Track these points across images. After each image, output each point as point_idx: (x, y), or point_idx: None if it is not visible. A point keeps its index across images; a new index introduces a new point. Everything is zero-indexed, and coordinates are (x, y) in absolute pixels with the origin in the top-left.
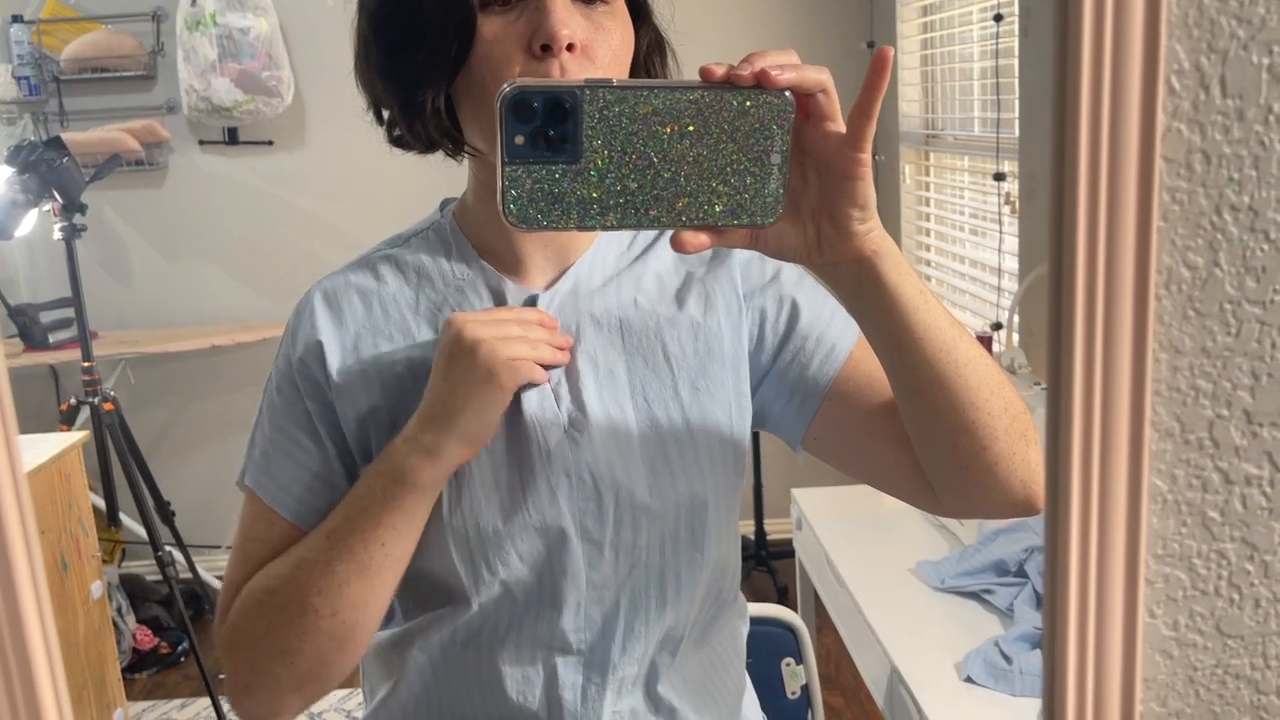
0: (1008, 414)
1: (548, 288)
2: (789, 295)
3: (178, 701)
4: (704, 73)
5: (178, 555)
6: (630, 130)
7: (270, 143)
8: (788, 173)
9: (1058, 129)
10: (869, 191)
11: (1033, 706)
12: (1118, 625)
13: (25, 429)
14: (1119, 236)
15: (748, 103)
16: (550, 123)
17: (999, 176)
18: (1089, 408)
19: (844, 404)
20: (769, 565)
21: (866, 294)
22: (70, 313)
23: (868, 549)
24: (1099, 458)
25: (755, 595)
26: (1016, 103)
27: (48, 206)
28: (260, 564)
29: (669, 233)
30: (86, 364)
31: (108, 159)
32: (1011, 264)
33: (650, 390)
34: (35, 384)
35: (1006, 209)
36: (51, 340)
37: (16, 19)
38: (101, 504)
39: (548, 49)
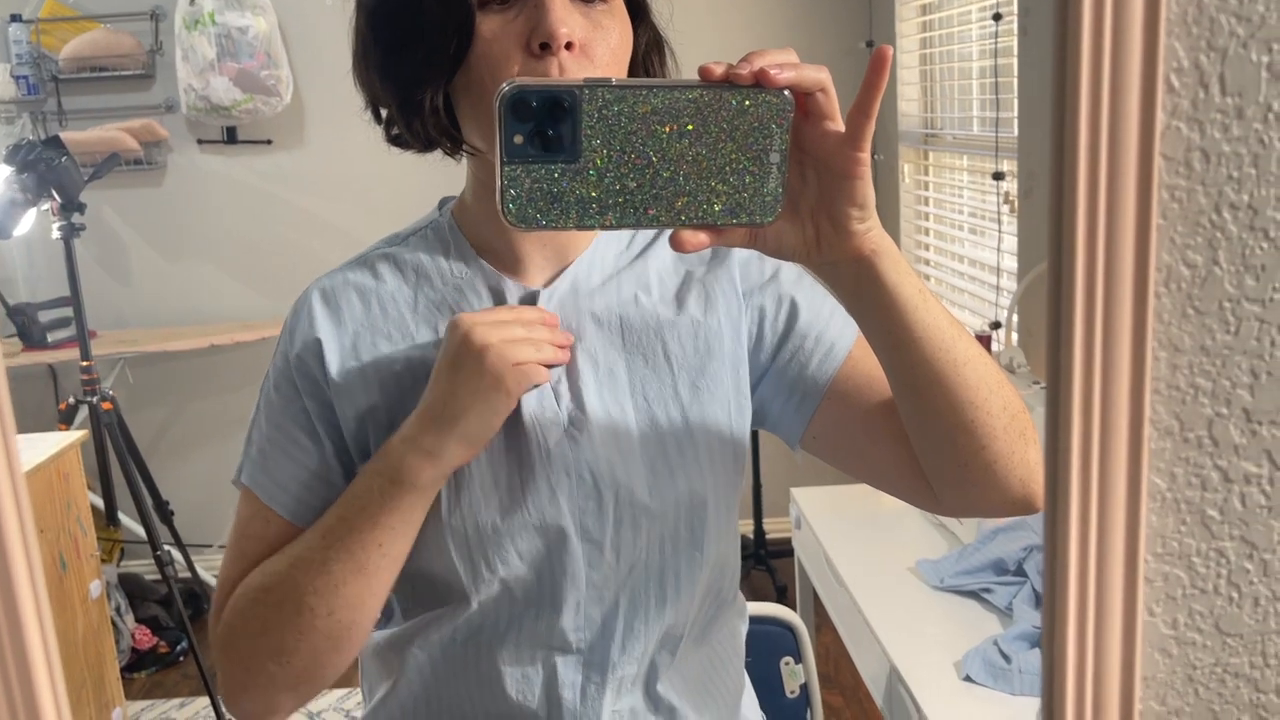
0: (1006, 413)
1: (546, 286)
2: (788, 294)
3: (176, 701)
4: (703, 72)
5: (176, 555)
6: (629, 129)
7: (269, 142)
8: (787, 172)
9: (1057, 127)
10: (868, 191)
11: (1032, 705)
12: (1117, 623)
13: (24, 428)
14: (1118, 234)
15: (747, 102)
16: (549, 122)
17: (998, 175)
18: (1088, 406)
19: (843, 403)
20: (768, 564)
21: (865, 293)
22: (69, 312)
23: (867, 548)
24: (1098, 456)
25: (754, 594)
26: (1015, 102)
27: (46, 206)
28: (256, 562)
29: (668, 232)
30: (85, 363)
31: (106, 158)
32: (1010, 263)
33: (650, 389)
34: (34, 383)
35: (1005, 208)
36: (50, 339)
37: (15, 18)
38: (100, 503)
39: (546, 47)
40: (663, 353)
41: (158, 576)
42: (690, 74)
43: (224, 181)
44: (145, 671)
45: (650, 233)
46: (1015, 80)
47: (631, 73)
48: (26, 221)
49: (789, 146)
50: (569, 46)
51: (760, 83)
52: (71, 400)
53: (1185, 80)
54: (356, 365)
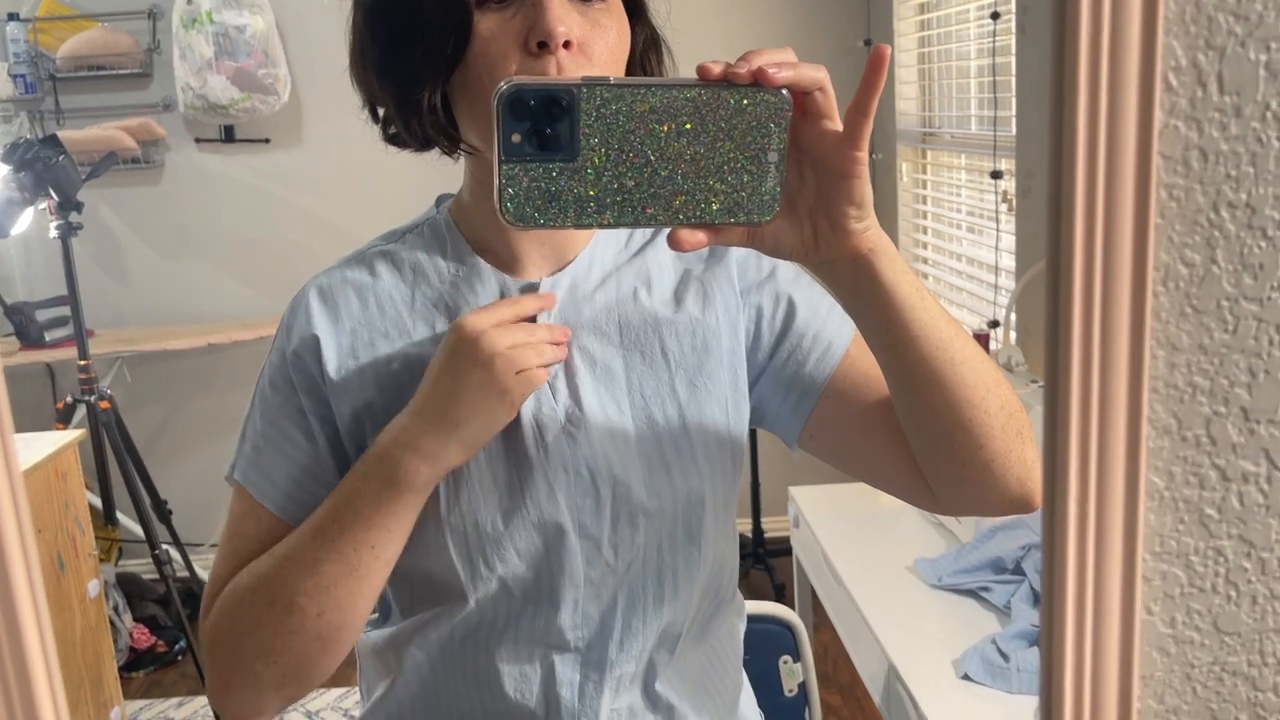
0: (1004, 412)
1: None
2: (785, 293)
3: (175, 700)
4: (701, 71)
5: (174, 554)
6: (627, 128)
7: (267, 140)
8: (784, 171)
9: (1055, 126)
10: (866, 190)
11: (1030, 704)
12: (1115, 622)
13: (21, 427)
14: (1116, 233)
15: (745, 101)
16: (547, 121)
17: (996, 174)
18: (1086, 404)
19: (840, 401)
20: (766, 563)
21: (863, 292)
22: (66, 311)
23: (865, 547)
24: (1096, 454)
25: (753, 593)
26: (1013, 100)
27: (44, 204)
28: (247, 560)
29: (666, 230)
30: (83, 362)
31: (104, 157)
32: (1009, 262)
33: (647, 387)
34: (31, 382)
35: (1004, 207)
36: (48, 338)
37: (13, 17)
38: (98, 502)
39: (544, 46)
40: (660, 351)
41: (156, 576)
42: (688, 73)
43: (222, 180)
44: (143, 671)
45: (648, 231)
46: (1013, 79)
47: (629, 71)
48: (24, 220)
49: (787, 145)
50: (567, 45)
51: (758, 82)
52: (69, 399)
53: (1183, 79)
54: (354, 363)
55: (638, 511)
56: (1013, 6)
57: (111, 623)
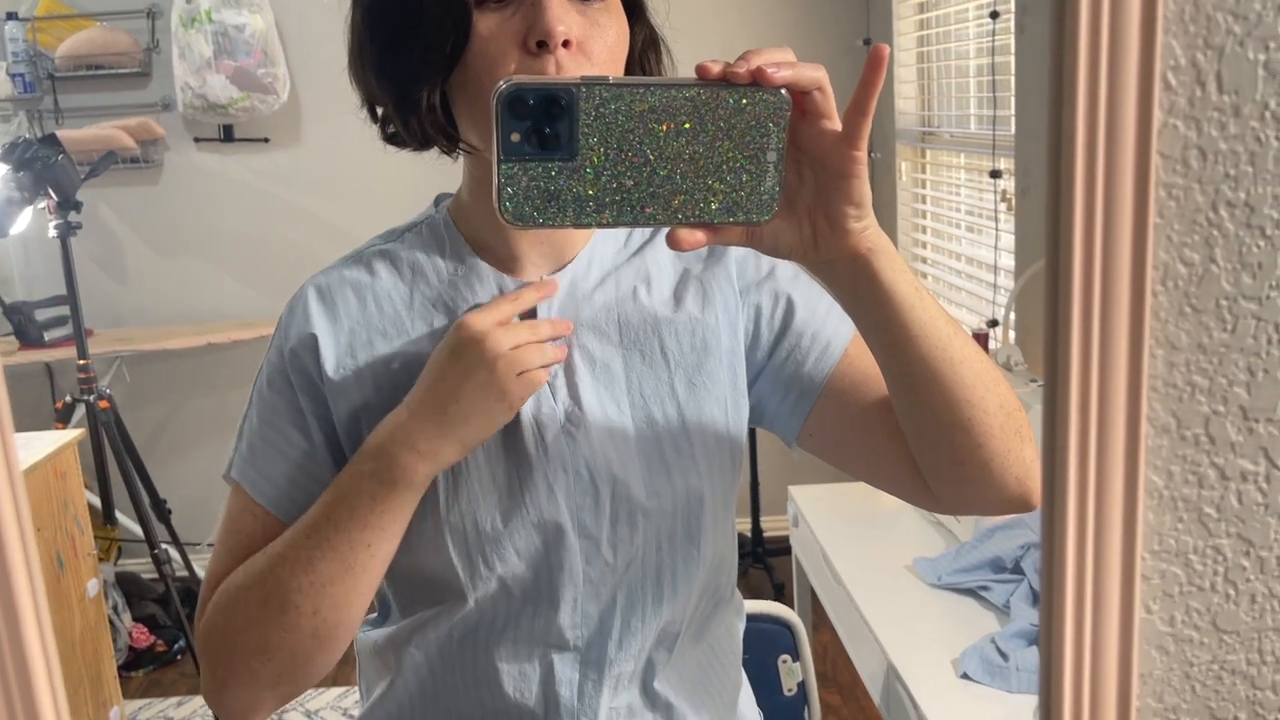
0: (1003, 411)
1: None
2: (784, 292)
3: (174, 699)
4: (700, 70)
5: (174, 553)
6: (626, 128)
7: (266, 140)
8: (783, 170)
9: (1054, 125)
10: (864, 189)
11: (1029, 703)
12: (1114, 621)
13: (20, 427)
14: (1115, 233)
15: (744, 100)
16: (546, 120)
17: (995, 174)
18: (1086, 403)
19: (839, 401)
20: (765, 562)
21: (862, 291)
22: (65, 310)
23: (864, 546)
24: (1096, 453)
25: (752, 592)
26: (1013, 100)
27: (43, 204)
28: (244, 558)
29: (665, 230)
30: (82, 362)
31: (103, 156)
32: (1008, 261)
33: (646, 386)
34: (30, 382)
35: (1003, 206)
36: (47, 338)
37: (11, 16)
38: (97, 502)
39: (543, 45)
40: (660, 350)
41: (155, 575)
42: (687, 72)
43: (221, 180)
44: (143, 670)
45: (647, 230)
46: (1012, 78)
47: (628, 71)
48: (23, 220)
49: (786, 145)
50: (566, 44)
51: (757, 81)
52: (68, 399)
53: (1182, 78)
54: (352, 362)
55: (637, 511)
56: (1012, 6)
57: (111, 622)
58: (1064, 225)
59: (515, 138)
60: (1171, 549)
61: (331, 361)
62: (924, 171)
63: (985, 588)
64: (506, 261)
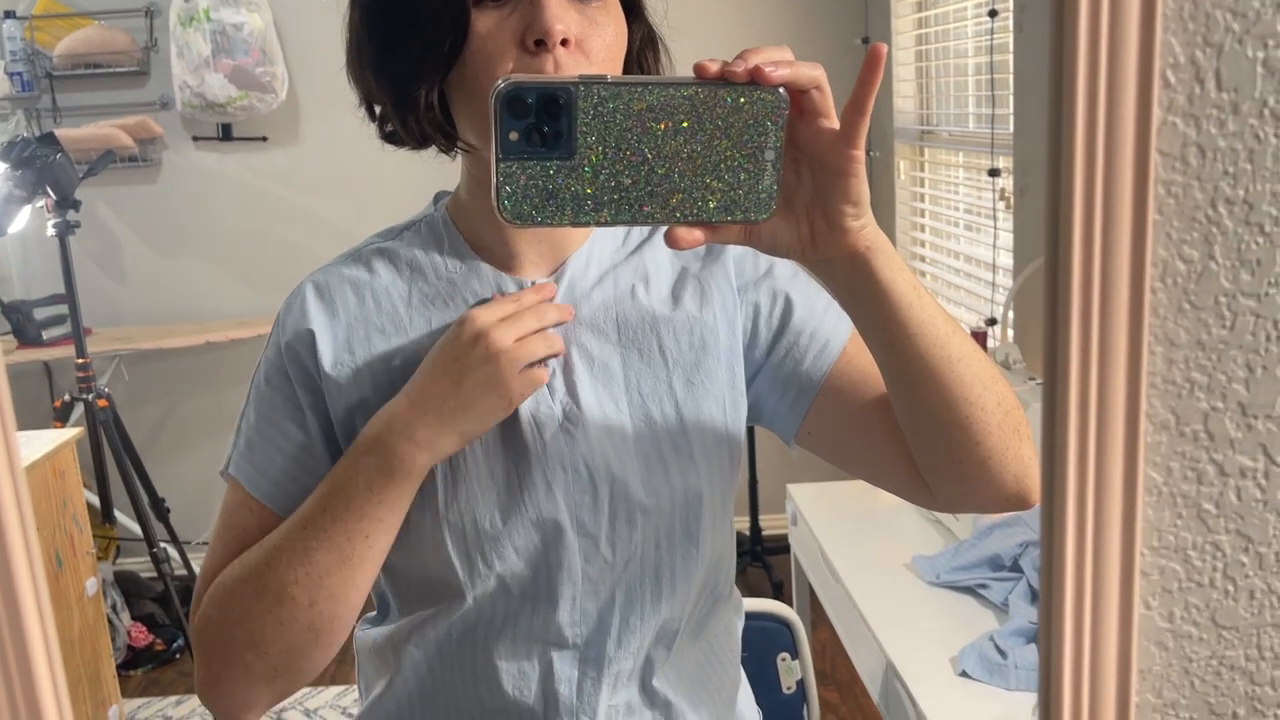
0: (1001, 409)
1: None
2: (783, 290)
3: (173, 698)
4: (698, 69)
5: (172, 552)
6: (624, 126)
7: (264, 139)
8: (781, 169)
9: (1054, 123)
10: (862, 188)
11: (1027, 701)
12: (1113, 617)
13: (19, 426)
14: (1115, 230)
15: (742, 99)
16: (544, 119)
17: (994, 172)
18: (1085, 400)
19: (838, 399)
20: (764, 561)
21: (860, 290)
22: (64, 309)
23: (863, 544)
24: (1095, 450)
25: (750, 591)
26: (1011, 98)
27: (41, 203)
28: (239, 552)
29: (663, 228)
30: (80, 361)
31: (101, 155)
32: (1006, 259)
33: (645, 385)
34: (29, 381)
35: (1001, 204)
36: (45, 337)
37: (9, 15)
38: (96, 501)
39: (542, 44)
40: (658, 348)
41: (154, 574)
42: (685, 71)
43: (219, 178)
44: (141, 669)
45: (645, 229)
46: (1011, 77)
47: (626, 69)
48: (21, 219)
49: (784, 144)
50: (564, 43)
51: (755, 80)
52: (67, 398)
53: (1181, 76)
54: (350, 358)
55: (635, 509)
56: (1010, 4)
57: (109, 621)
58: (1063, 222)
59: (513, 136)
60: (1171, 545)
61: (329, 357)
62: (922, 170)
63: (984, 586)
64: (505, 260)
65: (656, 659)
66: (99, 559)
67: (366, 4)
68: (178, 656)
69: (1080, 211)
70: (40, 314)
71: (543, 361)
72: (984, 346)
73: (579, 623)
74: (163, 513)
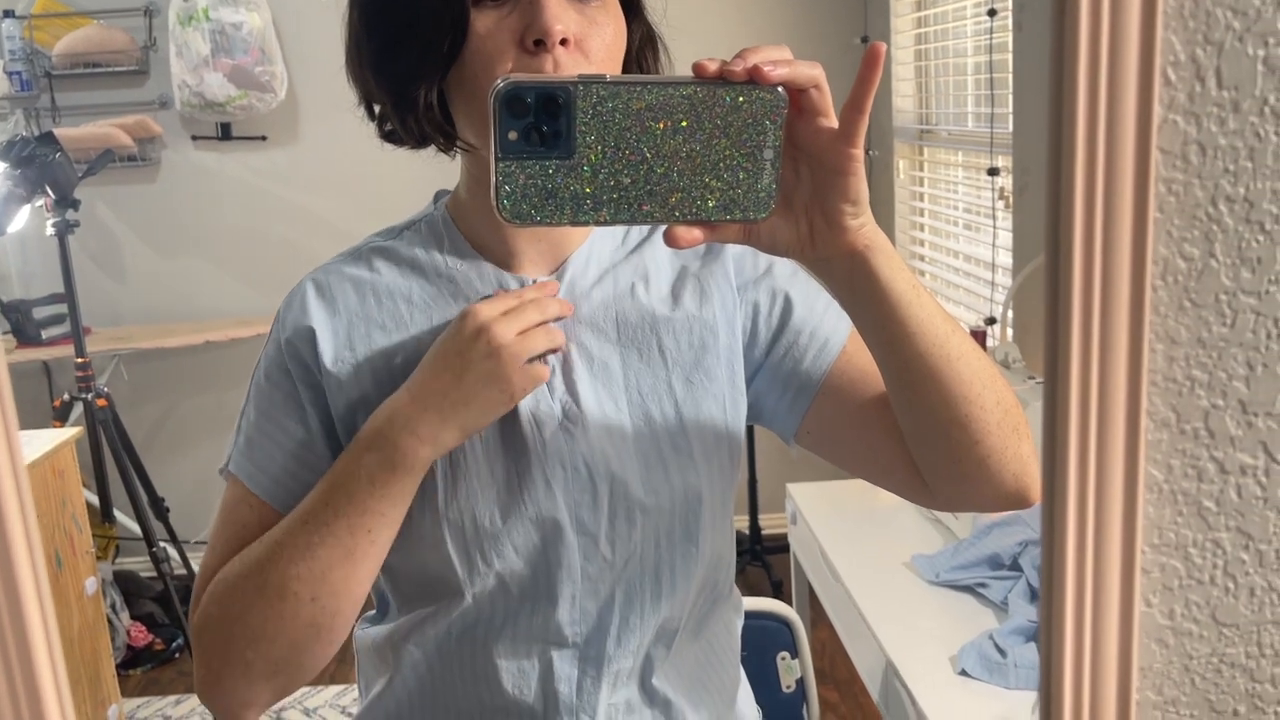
0: (1000, 408)
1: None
2: (782, 289)
3: (172, 698)
4: (697, 68)
5: (172, 551)
6: (623, 125)
7: (264, 138)
8: (780, 168)
9: (1054, 121)
10: (861, 187)
11: (1027, 699)
12: (1114, 614)
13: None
14: (1115, 228)
15: (740, 98)
16: (543, 118)
17: (993, 171)
18: (1085, 398)
19: (837, 398)
20: (764, 560)
21: (859, 289)
22: (63, 309)
23: (862, 543)
24: (1095, 447)
25: (750, 590)
26: (1010, 97)
27: (40, 202)
28: (239, 549)
29: (662, 227)
30: (80, 360)
31: (100, 154)
32: (1005, 259)
33: (644, 384)
34: (28, 380)
35: (1000, 204)
36: (44, 336)
37: (8, 14)
38: (95, 500)
39: (541, 44)
40: (657, 348)
41: (153, 573)
42: (684, 70)
43: (218, 178)
44: (141, 668)
45: (645, 228)
46: (1010, 76)
47: (625, 69)
48: (20, 218)
49: (782, 143)
50: (564, 43)
51: (754, 79)
52: (66, 397)
53: (1182, 74)
54: (351, 355)
55: (635, 508)
56: (1009, 3)
57: (109, 620)
58: (1064, 220)
59: (513, 136)
60: (1171, 542)
61: (330, 354)
62: (921, 169)
63: (983, 584)
64: (505, 259)
65: (656, 658)
66: (98, 558)
67: (366, 4)
68: (177, 656)
69: (1081, 209)
70: (39, 313)
71: (544, 358)
72: (983, 346)
73: (578, 621)
74: (162, 512)
